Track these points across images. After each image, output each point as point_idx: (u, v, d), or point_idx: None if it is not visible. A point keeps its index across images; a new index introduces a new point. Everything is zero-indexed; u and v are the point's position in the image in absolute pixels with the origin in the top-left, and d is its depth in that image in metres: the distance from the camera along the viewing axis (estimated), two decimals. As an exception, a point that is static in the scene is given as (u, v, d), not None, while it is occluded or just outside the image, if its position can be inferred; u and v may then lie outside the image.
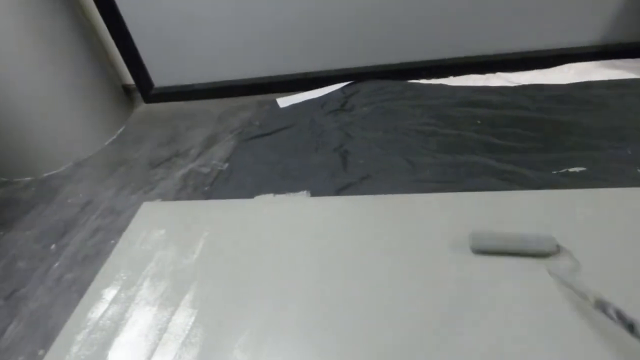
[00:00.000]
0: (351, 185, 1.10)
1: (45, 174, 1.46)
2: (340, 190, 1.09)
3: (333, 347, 0.76)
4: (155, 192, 1.25)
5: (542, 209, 0.86)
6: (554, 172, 0.99)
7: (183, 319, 0.84)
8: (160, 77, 1.74)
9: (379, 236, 0.93)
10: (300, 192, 1.12)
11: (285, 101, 1.56)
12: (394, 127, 1.28)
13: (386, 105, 1.39)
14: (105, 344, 0.83)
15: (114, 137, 1.58)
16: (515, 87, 1.32)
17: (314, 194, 1.10)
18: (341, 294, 0.82)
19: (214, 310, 0.85)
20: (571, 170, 0.98)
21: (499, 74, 1.42)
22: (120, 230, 1.12)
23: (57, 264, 1.07)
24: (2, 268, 1.09)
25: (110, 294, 0.92)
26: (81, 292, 0.96)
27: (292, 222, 1.02)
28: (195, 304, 0.87)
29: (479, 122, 1.21)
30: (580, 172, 0.97)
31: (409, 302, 0.78)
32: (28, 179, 1.46)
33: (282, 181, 1.17)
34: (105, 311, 0.89)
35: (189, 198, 1.19)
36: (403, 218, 0.96)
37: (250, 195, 1.14)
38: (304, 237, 0.97)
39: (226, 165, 1.30)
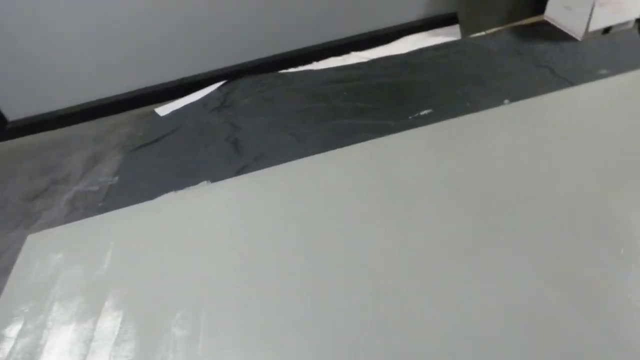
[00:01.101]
0: (247, 166, 1.18)
1: None
2: (238, 172, 1.16)
3: (256, 313, 0.83)
4: (39, 223, 1.15)
5: (414, 144, 1.08)
6: (409, 117, 1.21)
7: (109, 322, 0.84)
8: (15, 109, 1.59)
9: (284, 204, 1.03)
10: (201, 183, 1.16)
11: (164, 109, 1.56)
12: (274, 112, 1.39)
13: (263, 95, 1.50)
14: (25, 374, 0.78)
15: (-28, 182, 1.40)
16: (368, 61, 1.55)
17: (214, 182, 1.15)
18: (255, 266, 0.89)
19: (139, 305, 0.86)
20: (421, 113, 1.21)
21: (353, 53, 1.64)
22: (5, 271, 1.01)
23: None
24: None
25: (13, 330, 0.86)
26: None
27: (197, 211, 1.06)
28: (119, 305, 0.87)
29: (345, 93, 1.40)
30: (428, 113, 1.21)
31: (322, 264, 0.89)
32: None
33: (179, 179, 1.19)
34: (13, 348, 0.83)
35: (83, 219, 1.13)
36: (298, 182, 1.08)
37: (149, 199, 1.13)
38: (212, 221, 1.02)
39: (116, 178, 1.26)
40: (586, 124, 1.06)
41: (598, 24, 1.35)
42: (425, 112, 1.21)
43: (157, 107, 1.58)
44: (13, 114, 1.61)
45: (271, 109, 1.42)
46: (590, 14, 1.32)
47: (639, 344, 0.65)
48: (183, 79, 1.61)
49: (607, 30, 1.39)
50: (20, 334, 0.83)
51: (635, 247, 0.77)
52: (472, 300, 0.73)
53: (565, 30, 1.44)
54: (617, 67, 1.23)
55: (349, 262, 0.84)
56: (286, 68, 1.64)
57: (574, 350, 0.65)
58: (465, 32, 1.60)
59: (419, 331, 0.71)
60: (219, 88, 1.59)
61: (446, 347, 0.68)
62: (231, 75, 1.62)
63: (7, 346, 0.81)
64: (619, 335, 0.66)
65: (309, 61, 1.64)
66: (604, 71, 1.23)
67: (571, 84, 1.20)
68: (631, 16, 1.37)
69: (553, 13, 1.50)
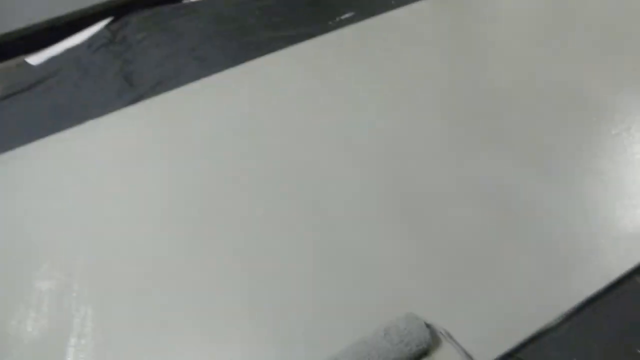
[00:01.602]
0: (143, 96, 0.96)
1: None
2: (131, 104, 0.94)
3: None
4: None
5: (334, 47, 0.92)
6: (329, 22, 1.05)
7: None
8: None
9: (187, 128, 0.83)
10: (86, 122, 0.92)
11: (38, 58, 1.27)
12: (173, 41, 1.17)
13: (161, 26, 1.26)
14: None
15: None
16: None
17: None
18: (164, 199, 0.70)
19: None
20: (343, 17, 1.06)
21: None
22: None
23: None
24: None
25: None
26: None
27: (80, 152, 0.84)
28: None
29: (257, 12, 1.21)
30: (351, 16, 1.06)
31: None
32: None
33: (58, 124, 0.95)
34: None
35: None
36: (201, 103, 0.88)
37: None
38: (97, 161, 0.80)
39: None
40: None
41: None
42: (347, 15, 1.06)
43: (28, 56, 1.29)
44: None
45: (170, 39, 1.19)
46: None
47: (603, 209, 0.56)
48: (58, 18, 1.32)
49: None
50: None
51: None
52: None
53: None
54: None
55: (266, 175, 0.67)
56: (189, -1, 1.41)
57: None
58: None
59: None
60: (106, 27, 1.32)
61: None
62: (120, 10, 1.35)
63: None
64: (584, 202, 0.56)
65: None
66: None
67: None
68: None
69: None
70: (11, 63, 1.27)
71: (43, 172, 0.79)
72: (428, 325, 0.49)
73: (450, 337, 0.50)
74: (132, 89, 1.01)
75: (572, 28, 0.92)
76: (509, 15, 0.98)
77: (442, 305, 0.53)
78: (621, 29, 0.89)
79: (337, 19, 1.05)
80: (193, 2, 1.37)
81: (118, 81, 1.05)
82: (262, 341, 0.50)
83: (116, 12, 1.34)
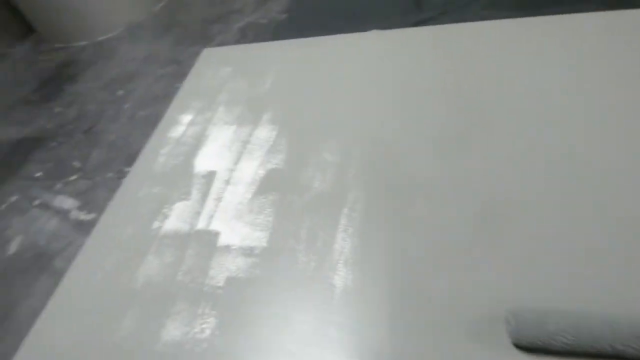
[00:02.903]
0: (430, 20, 1.03)
1: (100, 38, 1.45)
2: (415, 25, 1.02)
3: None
4: (214, 43, 1.22)
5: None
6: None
7: (265, 133, 0.85)
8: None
9: (470, 64, 0.87)
10: (371, 31, 1.06)
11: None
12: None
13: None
14: (190, 154, 0.85)
15: (163, 3, 1.53)
16: None
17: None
18: (415, 125, 0.79)
19: (294, 125, 0.85)
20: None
21: None
22: (183, 76, 1.10)
23: (127, 105, 1.08)
24: (75, 111, 1.13)
25: (186, 118, 0.94)
26: (156, 125, 0.98)
27: (363, 55, 0.98)
28: (274, 121, 0.87)
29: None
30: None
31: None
32: (83, 43, 1.45)
33: (347, 24, 1.11)
34: (185, 131, 0.91)
35: (251, 45, 1.15)
36: (489, 44, 0.90)
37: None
38: (378, 68, 0.93)
39: (285, 15, 1.24)
40: None
41: None
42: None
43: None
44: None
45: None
46: None
47: None
48: None
49: None
50: (190, 123, 0.90)
51: None
52: None
53: None
54: None
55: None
56: None
57: None
58: None
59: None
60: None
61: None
62: None
63: (180, 129, 0.89)
64: None
65: None
66: None
67: None
68: None
69: None
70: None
71: (331, 63, 0.97)
72: None
73: None
74: (419, 10, 1.08)
75: None
76: None
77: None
78: None
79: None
80: None
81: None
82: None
83: None
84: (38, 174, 0.92)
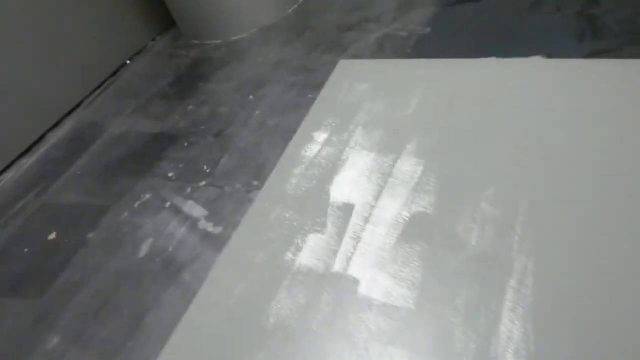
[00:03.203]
0: (606, 51, 0.85)
1: (233, 38, 1.48)
2: (589, 56, 0.85)
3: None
4: (349, 53, 1.16)
5: None
6: None
7: (410, 166, 0.76)
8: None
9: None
10: (534, 57, 0.91)
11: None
12: None
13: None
14: (325, 179, 0.79)
15: (296, 6, 1.52)
16: None
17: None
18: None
19: (444, 161, 0.75)
20: None
21: None
22: (316, 86, 1.07)
23: (257, 112, 1.07)
24: (207, 111, 1.15)
25: (321, 137, 0.88)
26: (285, 137, 0.94)
27: (523, 85, 0.85)
28: (420, 153, 0.77)
29: None
30: None
31: None
32: (217, 41, 1.50)
33: (499, 45, 0.97)
34: (319, 151, 0.85)
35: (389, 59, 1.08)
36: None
37: (458, 58, 0.97)
38: (538, 100, 0.79)
39: (428, 29, 1.13)
40: None
41: None
42: None
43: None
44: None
45: None
46: None
47: None
48: None
49: None
50: (326, 143, 0.85)
51: None
52: None
53: None
54: None
55: None
56: None
57: None
58: None
59: None
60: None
61: None
62: None
63: (315, 148, 0.85)
64: None
65: None
66: None
67: None
68: None
69: None
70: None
71: (488, 89, 0.85)
72: None
73: None
74: (594, 37, 0.91)
75: None
76: None
77: None
78: None
79: None
80: None
81: (577, 20, 0.96)
82: None
83: None
84: (170, 174, 0.94)
